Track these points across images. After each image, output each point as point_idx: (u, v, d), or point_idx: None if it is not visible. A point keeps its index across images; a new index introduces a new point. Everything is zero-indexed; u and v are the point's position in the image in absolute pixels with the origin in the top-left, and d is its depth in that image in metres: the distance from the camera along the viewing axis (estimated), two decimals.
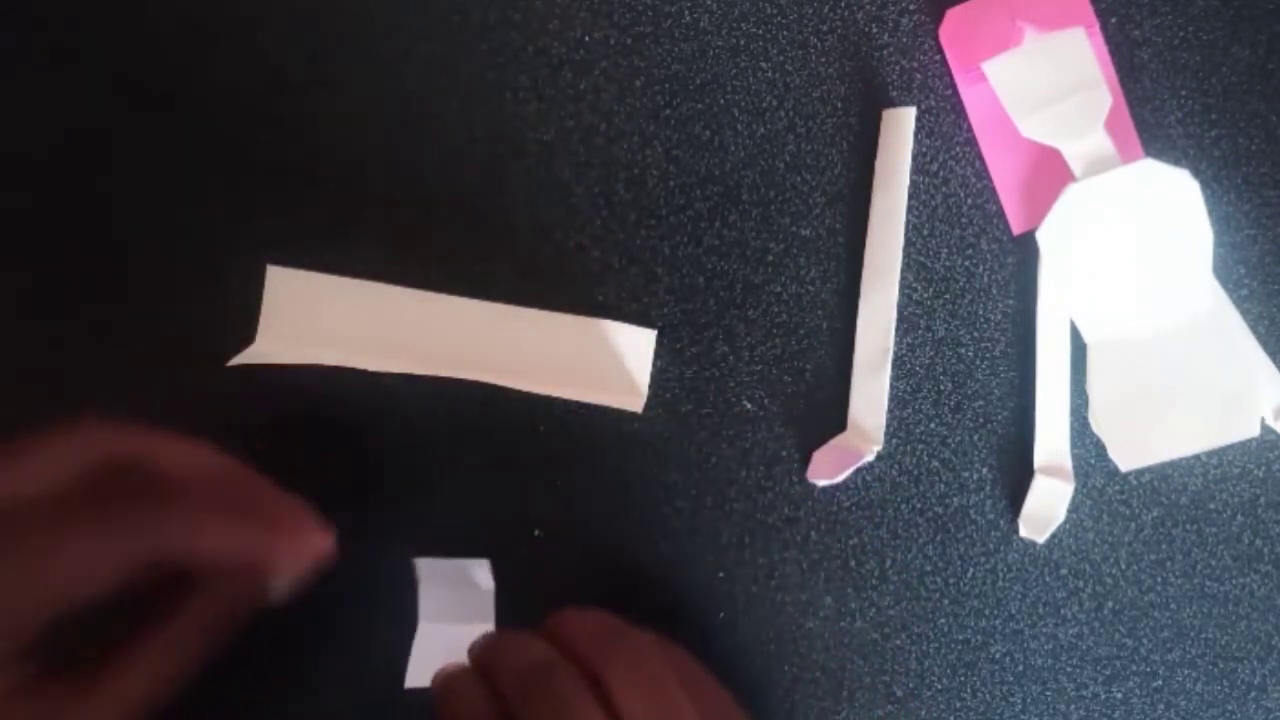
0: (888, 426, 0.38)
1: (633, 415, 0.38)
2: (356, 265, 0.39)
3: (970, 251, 0.39)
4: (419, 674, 0.35)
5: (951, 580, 0.39)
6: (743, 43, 0.39)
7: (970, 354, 0.39)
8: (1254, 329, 0.38)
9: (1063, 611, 0.38)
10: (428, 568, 0.36)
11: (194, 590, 0.31)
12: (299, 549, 0.33)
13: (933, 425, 0.39)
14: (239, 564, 0.32)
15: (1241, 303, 0.38)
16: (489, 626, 0.36)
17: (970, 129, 0.39)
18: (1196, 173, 0.35)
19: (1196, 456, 0.38)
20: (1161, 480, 0.38)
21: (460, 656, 0.34)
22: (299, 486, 0.39)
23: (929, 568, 0.39)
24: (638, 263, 0.39)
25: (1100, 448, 0.38)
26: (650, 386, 0.39)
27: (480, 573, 0.37)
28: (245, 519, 0.32)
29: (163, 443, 0.32)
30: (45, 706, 0.29)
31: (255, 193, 0.39)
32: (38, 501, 0.29)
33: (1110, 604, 0.38)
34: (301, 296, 0.39)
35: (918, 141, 0.38)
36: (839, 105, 0.39)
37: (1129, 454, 0.36)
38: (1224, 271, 0.38)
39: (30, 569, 0.28)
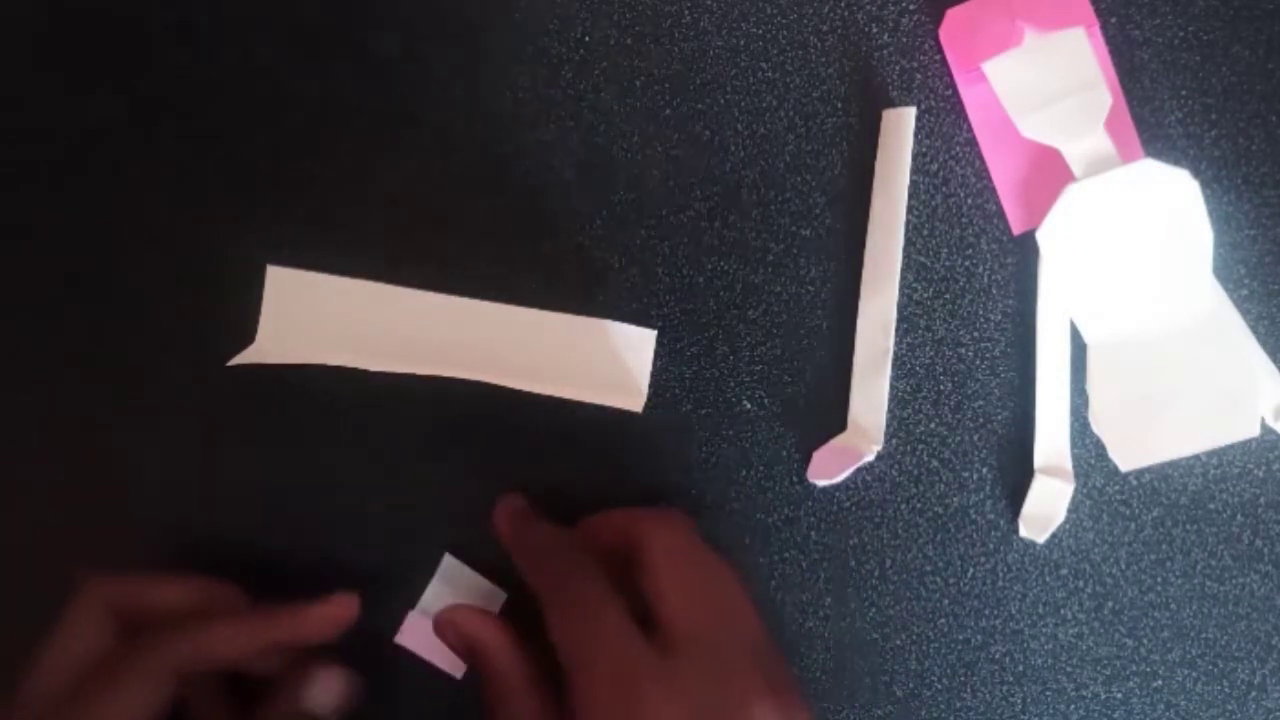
0: (888, 426, 0.38)
1: (633, 415, 0.38)
2: (356, 265, 0.39)
3: (970, 251, 0.39)
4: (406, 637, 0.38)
5: (951, 580, 0.39)
6: (743, 43, 0.39)
7: (970, 354, 0.39)
8: (1254, 329, 0.38)
9: (1063, 611, 0.38)
10: (450, 567, 0.38)
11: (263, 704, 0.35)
12: (332, 614, 0.35)
13: (933, 425, 0.39)
14: (275, 647, 0.35)
15: (1241, 303, 0.38)
16: None
17: (970, 129, 0.38)
18: (1196, 173, 0.35)
19: (1196, 456, 0.38)
20: (1161, 480, 0.38)
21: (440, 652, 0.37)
22: (299, 486, 0.39)
23: (929, 568, 0.39)
24: (638, 263, 0.39)
25: (1100, 448, 0.38)
26: (650, 386, 0.39)
27: (492, 599, 0.38)
28: (266, 612, 0.35)
29: (158, 585, 0.35)
30: None
31: (255, 193, 0.39)
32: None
33: (1110, 604, 0.38)
34: (301, 296, 0.39)
35: (918, 141, 0.38)
36: (839, 105, 0.39)
37: (1129, 454, 0.36)
38: (1224, 271, 0.38)
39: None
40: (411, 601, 0.38)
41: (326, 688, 0.35)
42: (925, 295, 0.39)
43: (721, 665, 0.30)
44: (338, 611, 0.35)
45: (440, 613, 0.35)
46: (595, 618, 0.31)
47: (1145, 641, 0.38)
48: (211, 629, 0.33)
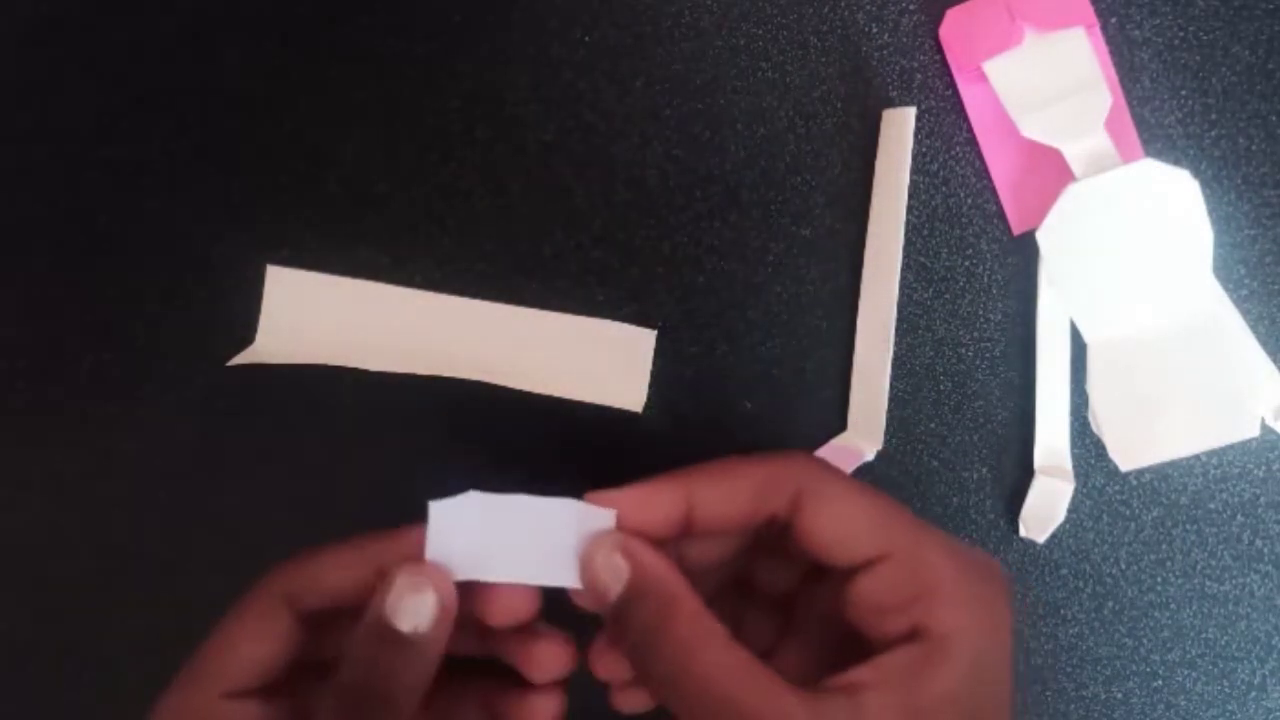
0: (888, 426, 0.38)
1: (633, 415, 0.38)
2: (356, 265, 0.39)
3: (970, 251, 0.39)
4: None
5: None
6: (743, 43, 0.39)
7: (970, 354, 0.39)
8: (1254, 329, 0.38)
9: (1063, 611, 0.38)
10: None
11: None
12: None
13: (933, 425, 0.39)
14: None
15: (1241, 303, 0.38)
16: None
17: (970, 129, 0.38)
18: (1196, 173, 0.35)
19: (1196, 456, 0.38)
20: (1161, 480, 0.38)
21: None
22: (299, 486, 0.39)
23: None
24: (638, 263, 0.39)
25: (1100, 448, 0.38)
26: (650, 386, 0.39)
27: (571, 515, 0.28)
28: (387, 534, 0.30)
29: (335, 564, 0.29)
30: None
31: (255, 193, 0.39)
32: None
33: (1110, 604, 0.38)
34: (301, 296, 0.39)
35: (918, 141, 0.38)
36: (839, 105, 0.39)
37: (1129, 454, 0.36)
38: (1224, 271, 0.38)
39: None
40: None
41: (407, 586, 0.28)
42: (925, 295, 0.39)
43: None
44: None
45: (605, 536, 0.28)
46: None
47: (1145, 641, 0.38)
48: (320, 553, 0.29)
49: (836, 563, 0.27)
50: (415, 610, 0.27)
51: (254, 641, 0.28)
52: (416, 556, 0.28)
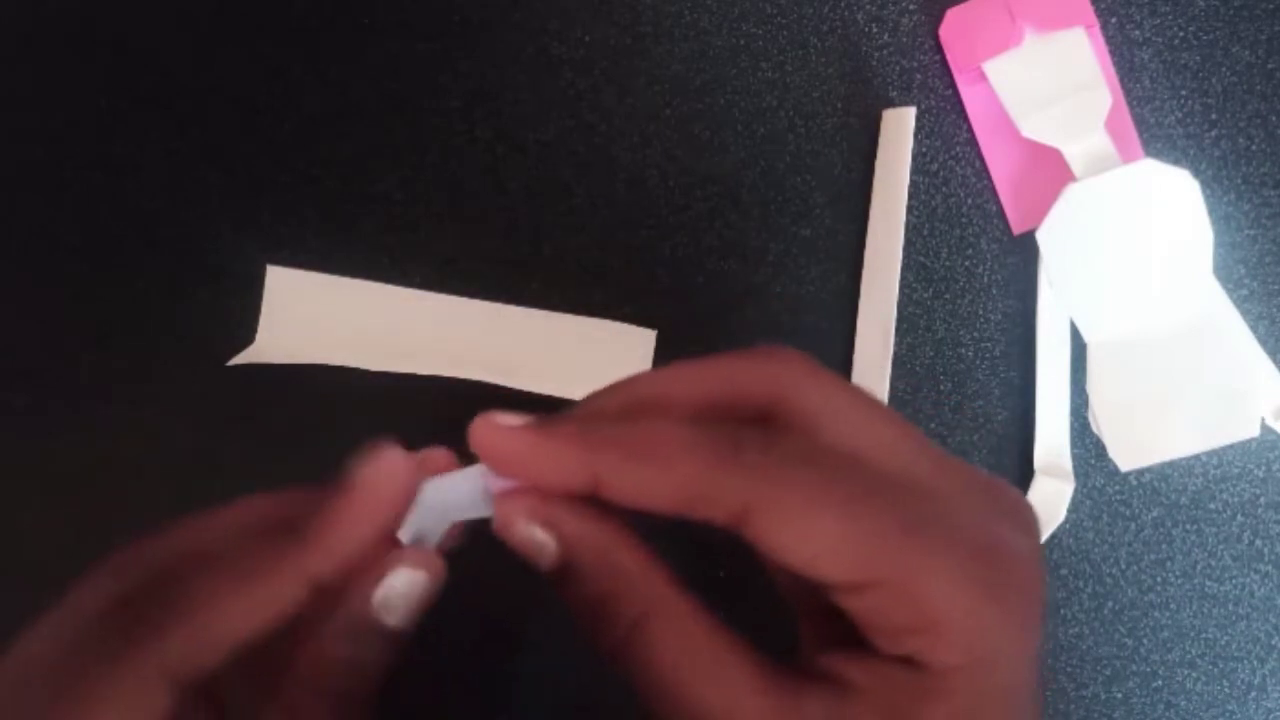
0: None
1: None
2: (356, 265, 0.39)
3: (970, 251, 0.39)
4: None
5: None
6: (743, 43, 0.39)
7: (970, 354, 0.39)
8: (1254, 329, 0.38)
9: (1063, 611, 0.38)
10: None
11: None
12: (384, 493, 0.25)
13: (933, 425, 0.38)
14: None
15: (1241, 303, 0.38)
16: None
17: (970, 129, 0.38)
18: (1196, 173, 0.35)
19: (1196, 456, 0.38)
20: (1161, 480, 0.38)
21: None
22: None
23: None
24: (638, 263, 0.39)
25: (1100, 448, 0.38)
26: None
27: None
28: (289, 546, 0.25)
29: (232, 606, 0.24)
30: None
31: (255, 193, 0.39)
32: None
33: (1110, 604, 0.38)
34: (301, 296, 0.39)
35: (918, 141, 0.38)
36: (839, 105, 0.39)
37: (1129, 454, 0.36)
38: (1224, 271, 0.38)
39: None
40: None
41: (405, 580, 0.24)
42: (925, 295, 0.39)
43: None
44: (390, 486, 0.25)
45: (513, 497, 0.24)
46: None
47: (1145, 641, 0.38)
48: (200, 597, 0.23)
49: (809, 578, 0.23)
50: (408, 600, 0.24)
51: None
52: (343, 551, 0.24)
